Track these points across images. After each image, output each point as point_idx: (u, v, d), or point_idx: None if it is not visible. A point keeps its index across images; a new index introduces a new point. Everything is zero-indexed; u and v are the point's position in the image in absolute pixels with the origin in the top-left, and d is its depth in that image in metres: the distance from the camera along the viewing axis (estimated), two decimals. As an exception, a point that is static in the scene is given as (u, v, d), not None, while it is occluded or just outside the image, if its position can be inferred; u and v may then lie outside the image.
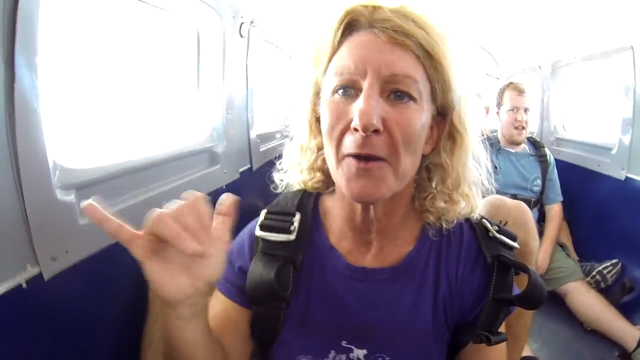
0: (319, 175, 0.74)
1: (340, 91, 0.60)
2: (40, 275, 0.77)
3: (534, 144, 2.39)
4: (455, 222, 0.73)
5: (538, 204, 2.32)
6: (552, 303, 2.08)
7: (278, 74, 2.64)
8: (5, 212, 0.71)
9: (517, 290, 0.72)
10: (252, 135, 1.94)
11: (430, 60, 0.60)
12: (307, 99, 0.69)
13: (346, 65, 0.60)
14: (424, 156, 0.67)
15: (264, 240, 0.73)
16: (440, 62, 0.61)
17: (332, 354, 0.73)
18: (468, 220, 0.76)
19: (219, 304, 0.76)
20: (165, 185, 1.24)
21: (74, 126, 1.10)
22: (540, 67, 2.97)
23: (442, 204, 0.71)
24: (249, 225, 0.78)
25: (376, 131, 0.57)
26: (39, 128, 0.76)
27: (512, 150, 2.32)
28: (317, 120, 0.69)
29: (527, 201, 2.22)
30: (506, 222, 0.82)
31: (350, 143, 0.59)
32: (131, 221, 1.05)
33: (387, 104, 0.59)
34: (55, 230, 0.81)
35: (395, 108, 0.59)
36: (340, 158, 0.61)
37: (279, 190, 0.78)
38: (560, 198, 2.34)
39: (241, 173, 1.81)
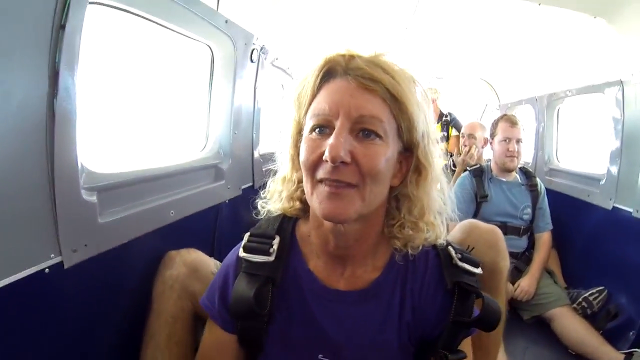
0: (297, 204, 0.83)
1: (317, 130, 0.69)
2: (61, 263, 0.88)
3: (526, 173, 2.46)
4: (421, 248, 0.79)
5: (528, 232, 2.37)
6: (538, 328, 2.12)
7: (284, 96, 2.77)
8: (38, 207, 0.83)
9: (477, 312, 0.80)
10: (256, 154, 2.04)
11: (395, 102, 0.69)
12: (291, 136, 0.78)
13: (322, 107, 0.69)
14: (393, 187, 0.76)
15: (246, 261, 0.81)
16: (405, 103, 0.69)
17: None
18: (435, 247, 0.82)
19: (213, 332, 0.86)
20: (174, 195, 1.35)
21: (99, 135, 1.22)
22: (537, 99, 3.07)
23: (409, 232, 0.77)
24: (232, 252, 0.86)
25: (344, 163, 0.65)
26: (73, 135, 0.88)
27: (504, 179, 2.39)
28: (299, 155, 0.75)
29: (516, 229, 2.32)
30: (473, 248, 0.90)
31: (322, 171, 0.67)
32: (141, 225, 1.18)
33: (355, 140, 0.67)
34: (77, 226, 0.92)
35: (363, 144, 0.67)
36: (314, 184, 0.69)
37: (259, 217, 0.86)
38: (550, 227, 2.39)
39: (243, 190, 1.90)
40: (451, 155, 3.49)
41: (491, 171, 2.44)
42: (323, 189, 0.68)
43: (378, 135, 0.68)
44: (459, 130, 3.80)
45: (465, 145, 3.06)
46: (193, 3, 1.32)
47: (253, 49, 1.78)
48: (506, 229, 2.30)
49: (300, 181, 0.79)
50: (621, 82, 2.07)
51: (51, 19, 0.79)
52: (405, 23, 2.43)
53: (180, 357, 1.08)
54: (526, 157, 3.21)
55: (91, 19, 0.90)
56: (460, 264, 0.80)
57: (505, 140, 2.34)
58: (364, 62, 0.69)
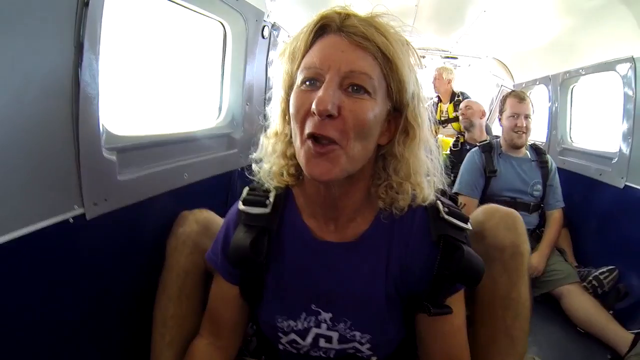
0: (292, 162, 0.82)
1: (307, 82, 0.70)
2: (83, 215, 0.97)
3: (536, 150, 2.43)
4: (406, 209, 0.80)
5: (538, 209, 2.36)
6: (547, 304, 2.12)
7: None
8: (64, 163, 0.91)
9: None
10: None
11: (386, 62, 0.70)
12: (283, 89, 0.78)
13: (313, 61, 0.70)
14: (380, 147, 0.77)
15: (245, 213, 0.85)
16: (396, 64, 0.70)
17: (304, 315, 0.87)
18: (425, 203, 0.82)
19: (218, 285, 0.93)
20: (188, 159, 1.43)
21: (121, 101, 1.32)
22: (550, 78, 3.03)
23: (394, 193, 0.78)
24: (233, 206, 0.91)
25: (330, 116, 0.66)
26: (96, 100, 0.95)
27: (513, 155, 2.38)
28: (289, 109, 0.76)
29: (526, 205, 2.31)
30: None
31: (310, 124, 0.68)
32: (157, 185, 1.26)
33: (344, 94, 0.68)
34: (98, 181, 1.01)
35: (351, 99, 0.68)
36: (302, 139, 0.70)
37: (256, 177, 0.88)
38: (561, 204, 2.37)
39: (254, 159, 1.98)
40: (457, 138, 3.50)
41: (500, 147, 2.42)
42: (309, 146, 0.69)
43: (367, 91, 0.69)
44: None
45: (464, 114, 3.25)
46: None
47: (264, 26, 1.84)
48: (516, 205, 2.29)
49: (291, 135, 0.79)
50: (633, 59, 2.04)
51: None
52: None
53: (190, 309, 1.14)
54: (540, 136, 3.20)
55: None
56: (447, 217, 0.81)
57: (514, 116, 2.31)
58: (358, 21, 0.70)
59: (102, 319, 1.09)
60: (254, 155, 0.88)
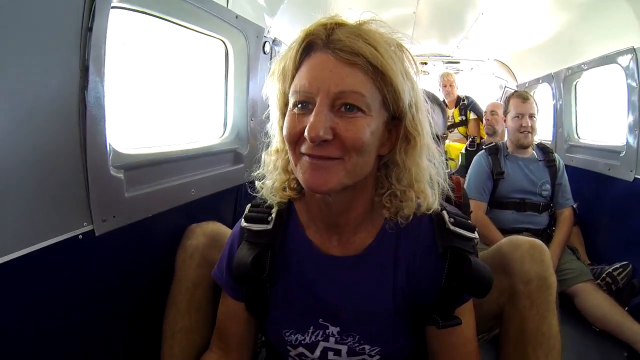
0: (293, 175, 0.81)
1: (299, 105, 0.70)
2: (92, 231, 1.01)
3: (543, 149, 2.42)
4: (411, 217, 0.79)
5: (548, 209, 2.35)
6: (561, 304, 2.04)
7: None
8: (73, 182, 0.96)
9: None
10: (273, 141, 2.15)
11: (378, 74, 0.68)
12: (278, 108, 0.78)
13: (302, 83, 0.69)
14: (382, 156, 0.76)
15: (248, 230, 0.86)
16: (388, 74, 0.68)
17: (312, 329, 0.87)
18: (429, 212, 0.81)
19: (225, 302, 0.95)
20: (196, 175, 1.48)
21: (127, 120, 1.37)
22: (553, 76, 3.02)
23: (398, 202, 0.77)
24: (237, 223, 0.92)
25: (325, 141, 0.66)
26: (102, 120, 1.00)
27: (520, 156, 2.37)
28: None
29: (536, 206, 2.30)
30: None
31: (305, 146, 0.69)
32: (164, 201, 1.30)
33: (337, 115, 0.67)
34: (107, 199, 1.05)
35: (345, 119, 0.67)
36: (297, 156, 0.71)
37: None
38: (571, 203, 2.36)
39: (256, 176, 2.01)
40: (472, 139, 3.50)
41: (507, 148, 2.42)
42: (305, 160, 0.70)
43: (360, 109, 0.68)
44: (477, 113, 3.81)
45: (489, 120, 3.22)
46: (204, 2, 1.43)
47: (265, 42, 1.88)
48: (525, 205, 2.29)
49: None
50: (634, 49, 2.02)
51: (80, 22, 0.91)
52: (412, 7, 2.46)
53: (199, 321, 1.16)
54: (546, 135, 3.18)
55: (120, 21, 1.01)
56: (452, 228, 0.80)
57: (518, 116, 2.32)
58: (345, 34, 0.68)
59: (111, 333, 1.13)
60: (256, 173, 0.88)
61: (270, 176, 0.85)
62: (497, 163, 2.35)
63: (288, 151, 0.74)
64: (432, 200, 0.79)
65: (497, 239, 2.13)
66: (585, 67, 2.61)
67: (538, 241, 1.05)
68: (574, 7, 2.27)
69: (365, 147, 0.69)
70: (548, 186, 2.32)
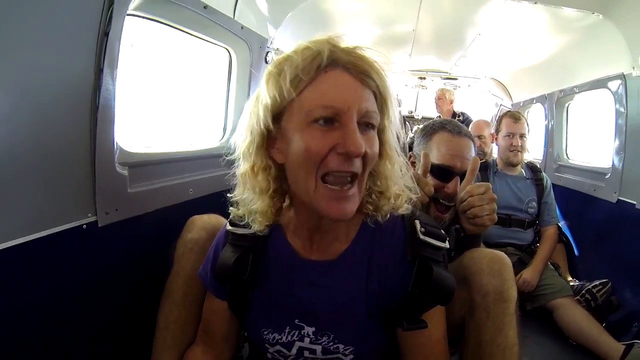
0: (276, 198, 0.82)
1: (321, 121, 0.70)
2: (96, 222, 1.09)
3: (532, 168, 2.50)
4: (389, 216, 0.84)
5: (533, 226, 2.42)
6: (540, 318, 2.16)
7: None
8: (81, 176, 1.03)
9: None
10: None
11: (381, 98, 0.76)
12: (265, 116, 0.75)
13: (332, 98, 0.70)
14: None
15: (232, 233, 0.91)
16: (387, 99, 0.77)
17: (288, 329, 0.90)
18: (403, 219, 0.88)
19: (209, 300, 1.01)
20: (194, 176, 1.55)
21: (134, 120, 1.45)
22: (546, 97, 3.10)
23: (377, 200, 0.83)
24: (222, 229, 0.97)
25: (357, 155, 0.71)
26: (112, 120, 1.08)
27: (509, 173, 2.46)
28: (271, 139, 0.77)
29: (521, 222, 2.38)
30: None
31: (333, 163, 0.70)
32: (164, 198, 1.36)
33: (361, 132, 0.72)
34: (111, 193, 1.13)
35: (366, 135, 0.73)
36: (316, 180, 0.72)
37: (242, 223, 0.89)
38: (556, 221, 2.44)
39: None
40: None
41: (496, 165, 2.50)
42: (328, 188, 0.72)
43: (374, 127, 0.75)
44: (472, 130, 3.86)
45: (477, 146, 3.09)
46: (212, 12, 1.51)
47: (267, 52, 1.97)
48: (510, 221, 2.36)
49: (273, 168, 0.80)
50: (623, 75, 2.10)
51: (97, 27, 0.99)
52: (411, 25, 2.56)
53: (193, 315, 1.17)
54: (537, 154, 3.26)
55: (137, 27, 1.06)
56: (422, 237, 0.85)
57: (509, 136, 2.41)
58: (355, 56, 0.73)
59: (108, 319, 1.19)
60: (235, 195, 0.88)
61: (251, 198, 0.85)
62: (486, 179, 2.41)
63: (302, 172, 0.73)
64: (401, 200, 0.85)
65: None
66: (577, 90, 2.68)
67: (500, 254, 1.06)
68: (569, 32, 2.34)
69: (374, 162, 0.77)
70: (534, 204, 2.39)
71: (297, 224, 0.87)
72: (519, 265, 2.29)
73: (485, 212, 1.18)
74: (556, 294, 2.13)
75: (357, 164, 0.72)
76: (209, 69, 1.95)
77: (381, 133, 0.79)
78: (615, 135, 2.20)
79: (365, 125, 0.73)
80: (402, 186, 0.86)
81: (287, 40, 2.12)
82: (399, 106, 4.86)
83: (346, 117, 0.70)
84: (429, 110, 4.99)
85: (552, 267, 2.32)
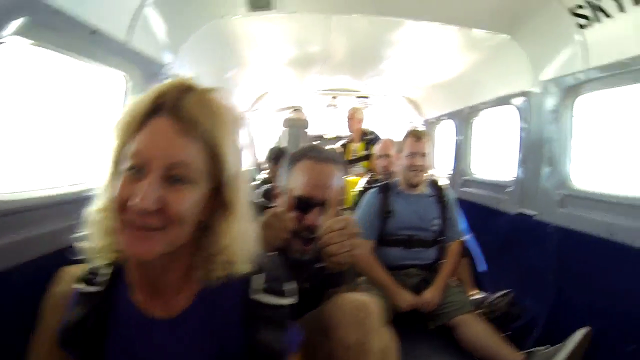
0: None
1: (134, 170, 0.69)
2: None
3: (434, 185, 2.49)
4: (225, 280, 0.78)
5: (437, 244, 2.41)
6: (443, 336, 2.16)
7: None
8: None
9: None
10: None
11: (212, 147, 0.71)
12: (112, 162, 0.74)
13: (140, 148, 0.69)
14: (201, 221, 0.76)
15: (80, 293, 0.86)
16: (222, 149, 0.72)
17: None
18: (243, 278, 0.81)
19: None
20: (70, 220, 1.38)
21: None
22: (456, 113, 3.25)
23: (211, 265, 0.77)
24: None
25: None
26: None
27: (411, 193, 2.43)
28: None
29: (424, 241, 2.38)
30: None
31: (129, 215, 0.68)
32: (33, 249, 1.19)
33: (166, 184, 0.68)
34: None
35: (173, 188, 0.69)
36: (122, 222, 0.70)
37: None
38: (460, 236, 2.45)
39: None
40: (371, 175, 3.41)
41: (398, 186, 2.45)
42: (129, 228, 0.70)
43: (188, 181, 0.70)
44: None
45: (384, 166, 3.12)
46: (101, 38, 1.42)
47: (166, 78, 1.88)
48: (412, 242, 2.36)
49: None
50: (525, 93, 2.24)
51: None
52: (322, 45, 2.57)
53: None
54: (448, 169, 3.41)
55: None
56: (255, 297, 0.82)
57: (411, 155, 2.35)
58: (192, 101, 0.71)
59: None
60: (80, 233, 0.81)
61: (97, 235, 0.80)
62: (386, 201, 2.38)
63: (114, 214, 0.71)
64: (244, 265, 0.80)
65: (381, 278, 2.24)
66: (483, 107, 2.84)
67: (365, 301, 1.03)
68: (479, 51, 2.47)
69: (188, 218, 0.72)
70: (437, 221, 2.38)
71: (137, 276, 0.83)
72: (423, 285, 2.28)
73: (345, 248, 1.12)
74: (457, 311, 2.15)
75: (153, 220, 0.68)
76: (109, 93, 1.81)
77: (221, 185, 0.75)
78: (520, 148, 2.33)
79: (174, 178, 0.69)
80: (248, 241, 0.81)
81: (190, 65, 2.04)
82: (305, 128, 4.79)
83: (148, 168, 0.68)
84: (341, 130, 4.90)
85: (455, 284, 2.35)
